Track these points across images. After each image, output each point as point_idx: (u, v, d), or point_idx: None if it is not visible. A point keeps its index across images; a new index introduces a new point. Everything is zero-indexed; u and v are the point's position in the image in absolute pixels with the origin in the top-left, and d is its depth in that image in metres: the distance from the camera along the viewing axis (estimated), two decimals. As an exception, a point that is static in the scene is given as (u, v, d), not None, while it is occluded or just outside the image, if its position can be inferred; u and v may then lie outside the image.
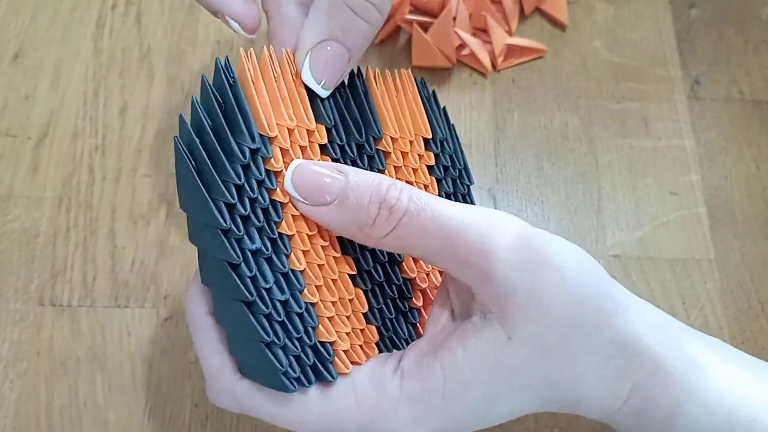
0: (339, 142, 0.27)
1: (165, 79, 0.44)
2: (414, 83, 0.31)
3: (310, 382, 0.25)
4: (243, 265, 0.24)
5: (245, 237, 0.24)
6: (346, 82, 0.29)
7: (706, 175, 0.43)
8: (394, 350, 0.28)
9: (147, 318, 0.37)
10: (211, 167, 0.23)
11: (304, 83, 0.27)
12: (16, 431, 0.35)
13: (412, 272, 0.29)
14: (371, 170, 0.28)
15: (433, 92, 0.32)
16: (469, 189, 0.33)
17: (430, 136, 0.30)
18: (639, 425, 0.26)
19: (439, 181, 0.31)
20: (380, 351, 0.28)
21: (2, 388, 0.36)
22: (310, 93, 0.27)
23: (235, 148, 0.24)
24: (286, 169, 0.25)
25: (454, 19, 0.45)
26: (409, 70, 0.31)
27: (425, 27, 0.45)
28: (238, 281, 0.24)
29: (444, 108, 0.32)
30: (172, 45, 0.45)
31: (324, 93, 0.27)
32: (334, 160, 0.27)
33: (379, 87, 0.30)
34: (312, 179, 0.24)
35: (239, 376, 0.26)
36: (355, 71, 0.29)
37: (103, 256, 0.39)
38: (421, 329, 0.29)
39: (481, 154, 0.43)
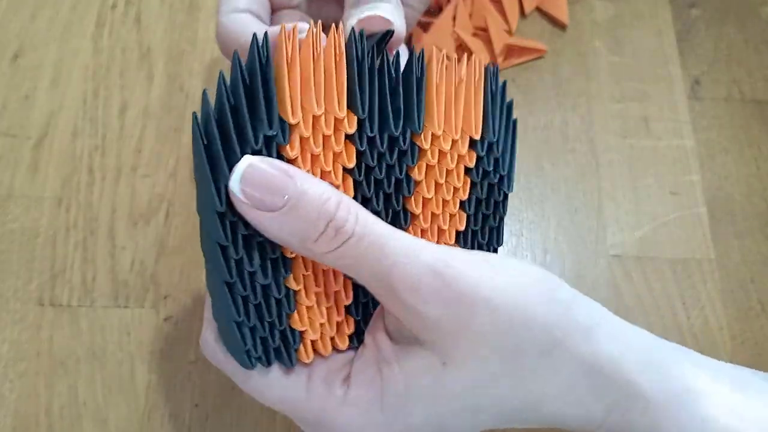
0: (369, 134, 0.26)
1: (165, 79, 0.44)
2: (482, 73, 0.29)
3: (269, 364, 0.26)
4: (231, 247, 0.24)
5: (239, 221, 0.24)
6: (402, 61, 0.28)
7: (707, 175, 0.43)
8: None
9: (147, 318, 0.37)
10: (219, 148, 0.23)
11: (348, 58, 0.25)
12: (16, 431, 0.35)
13: None
14: (399, 167, 0.27)
15: (504, 83, 0.30)
16: (505, 197, 0.31)
17: (478, 137, 0.28)
18: None
19: (473, 184, 0.29)
20: (351, 344, 0.28)
21: (2, 388, 0.36)
22: (353, 76, 0.26)
23: (249, 132, 0.23)
24: (302, 160, 0.25)
25: (454, 19, 0.45)
26: (482, 57, 0.29)
27: (425, 27, 0.45)
28: (223, 262, 0.24)
29: (510, 102, 0.30)
30: (172, 45, 0.45)
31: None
32: (358, 152, 0.26)
33: (439, 74, 0.28)
34: (264, 180, 0.23)
35: (218, 337, 0.27)
36: (417, 52, 0.27)
37: (102, 256, 0.39)
38: None
39: (481, 154, 0.43)
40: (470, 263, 0.25)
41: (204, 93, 0.24)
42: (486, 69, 0.29)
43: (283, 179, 0.23)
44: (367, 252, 0.24)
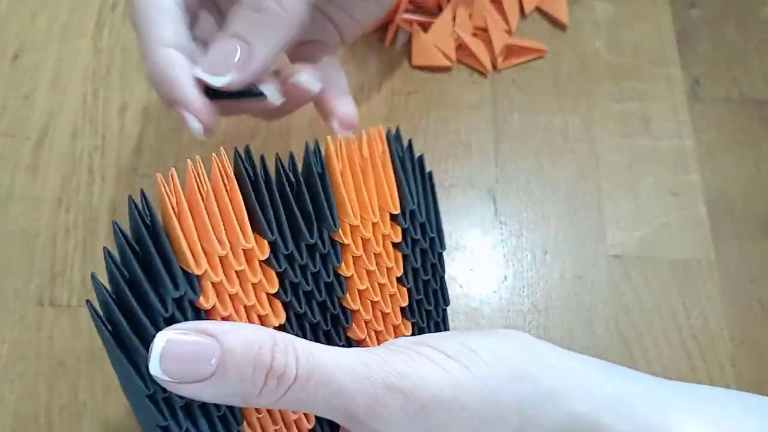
0: (285, 252, 0.24)
1: (165, 79, 0.44)
2: (385, 141, 0.28)
3: None
4: (172, 424, 0.22)
5: (173, 394, 0.22)
6: (299, 163, 0.26)
7: (706, 175, 0.43)
8: None
9: (147, 318, 0.37)
10: (129, 331, 0.21)
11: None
12: (16, 431, 0.35)
13: None
14: (325, 270, 0.26)
15: (410, 142, 0.29)
16: (440, 256, 0.30)
17: (397, 212, 0.27)
18: None
19: (405, 257, 0.29)
20: None
21: (2, 388, 0.36)
22: (249, 197, 0.24)
23: (155, 301, 0.21)
24: (220, 305, 0.23)
25: (454, 19, 0.45)
26: (380, 126, 0.28)
27: (425, 27, 0.45)
28: None
29: (421, 157, 0.29)
30: (171, 45, 0.45)
31: (218, 81, 0.27)
32: (278, 273, 0.25)
33: (341, 160, 0.26)
34: (184, 351, 0.21)
35: None
36: (312, 148, 0.26)
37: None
38: None
39: (481, 154, 0.43)
40: (426, 365, 0.23)
41: (93, 276, 0.21)
42: (387, 136, 0.28)
43: (205, 343, 0.21)
44: (317, 390, 0.22)
